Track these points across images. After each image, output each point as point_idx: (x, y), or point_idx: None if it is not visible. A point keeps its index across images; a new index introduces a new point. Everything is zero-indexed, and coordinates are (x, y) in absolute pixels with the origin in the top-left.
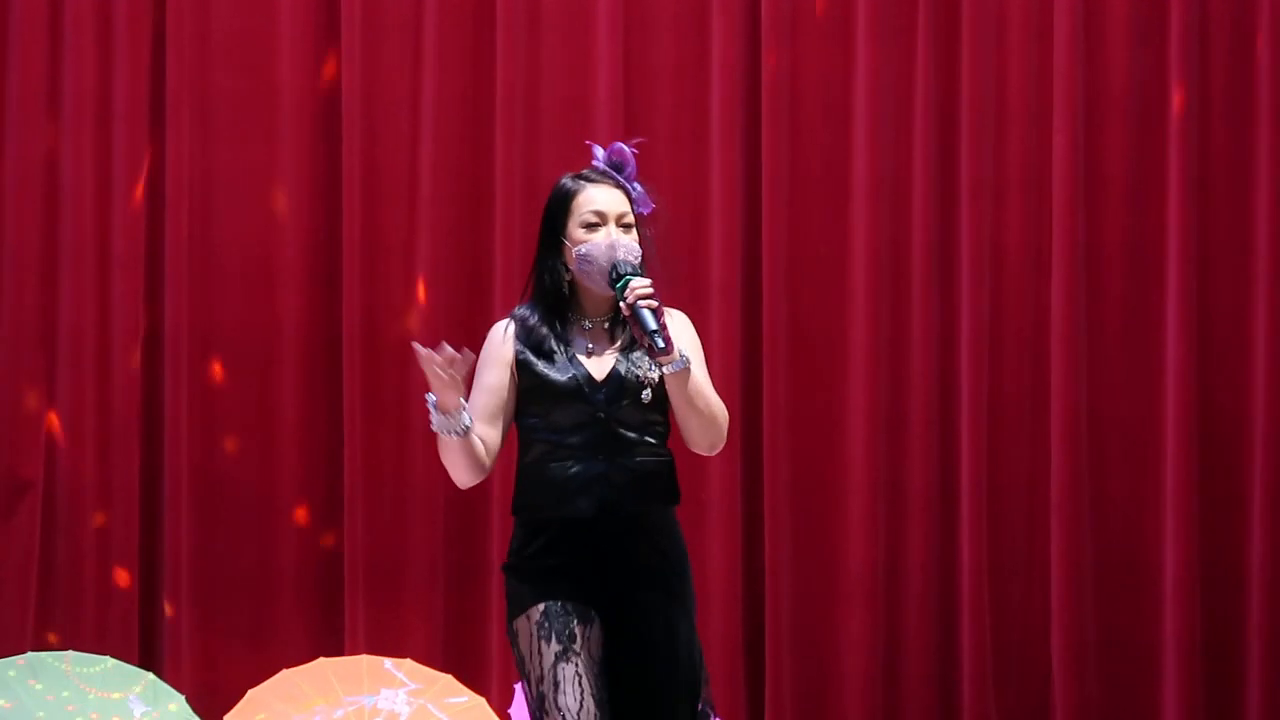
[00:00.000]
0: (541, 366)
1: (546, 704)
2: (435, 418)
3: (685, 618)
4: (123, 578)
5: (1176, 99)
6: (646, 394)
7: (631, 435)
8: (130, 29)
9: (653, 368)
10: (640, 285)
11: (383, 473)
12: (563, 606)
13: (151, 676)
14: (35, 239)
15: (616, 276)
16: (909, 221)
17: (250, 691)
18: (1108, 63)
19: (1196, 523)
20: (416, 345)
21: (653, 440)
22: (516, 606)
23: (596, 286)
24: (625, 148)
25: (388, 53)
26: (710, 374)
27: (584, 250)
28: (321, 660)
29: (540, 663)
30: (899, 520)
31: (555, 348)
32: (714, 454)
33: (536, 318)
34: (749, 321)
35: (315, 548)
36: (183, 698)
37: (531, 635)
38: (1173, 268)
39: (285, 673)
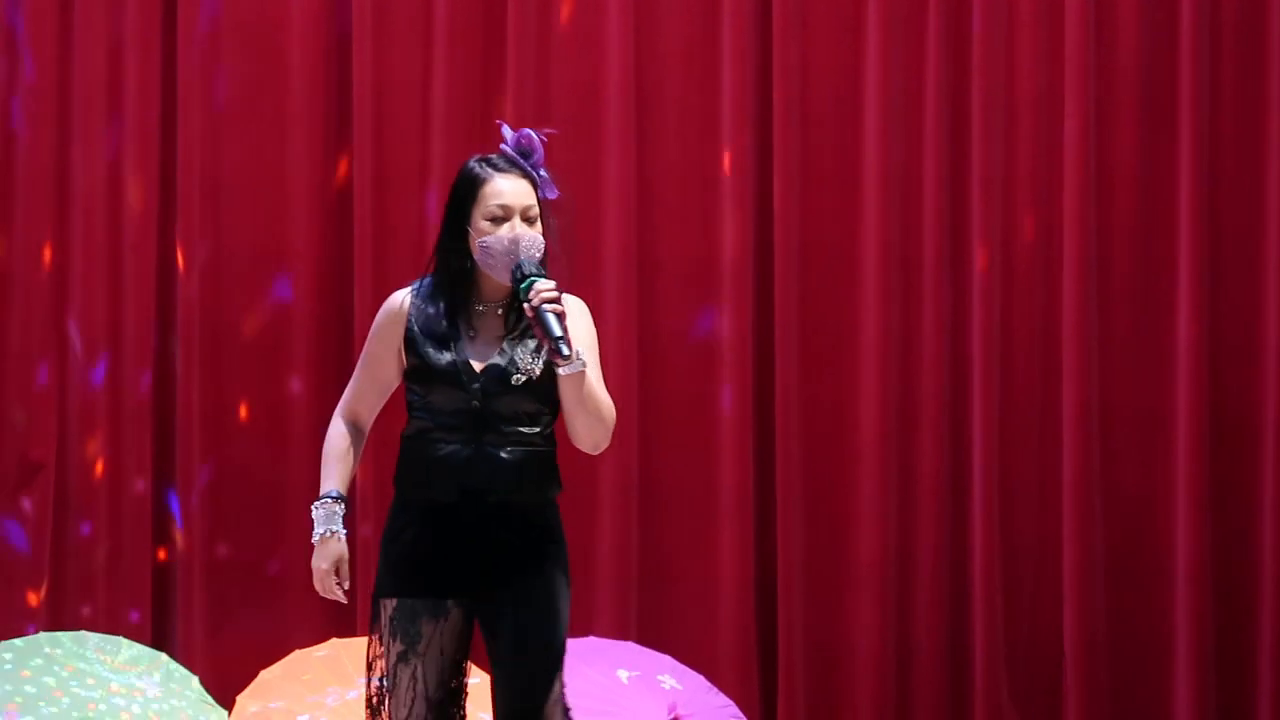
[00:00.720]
0: (426, 347)
1: (385, 701)
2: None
3: (543, 615)
4: (135, 559)
5: (1186, 90)
6: (518, 378)
7: (505, 426)
8: (141, 24)
9: (537, 361)
10: (545, 288)
11: (390, 456)
12: (414, 603)
13: (165, 657)
14: (47, 232)
15: (521, 276)
16: (920, 212)
17: (263, 672)
18: (1118, 53)
19: (1207, 512)
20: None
21: (528, 430)
22: (379, 588)
23: (496, 277)
24: (534, 134)
25: (398, 41)
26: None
27: (487, 243)
28: (334, 641)
29: (386, 659)
30: (910, 510)
31: (443, 330)
32: (596, 453)
33: (432, 297)
34: (761, 312)
35: None
36: (196, 678)
37: (383, 628)
38: (1184, 259)
39: (298, 653)
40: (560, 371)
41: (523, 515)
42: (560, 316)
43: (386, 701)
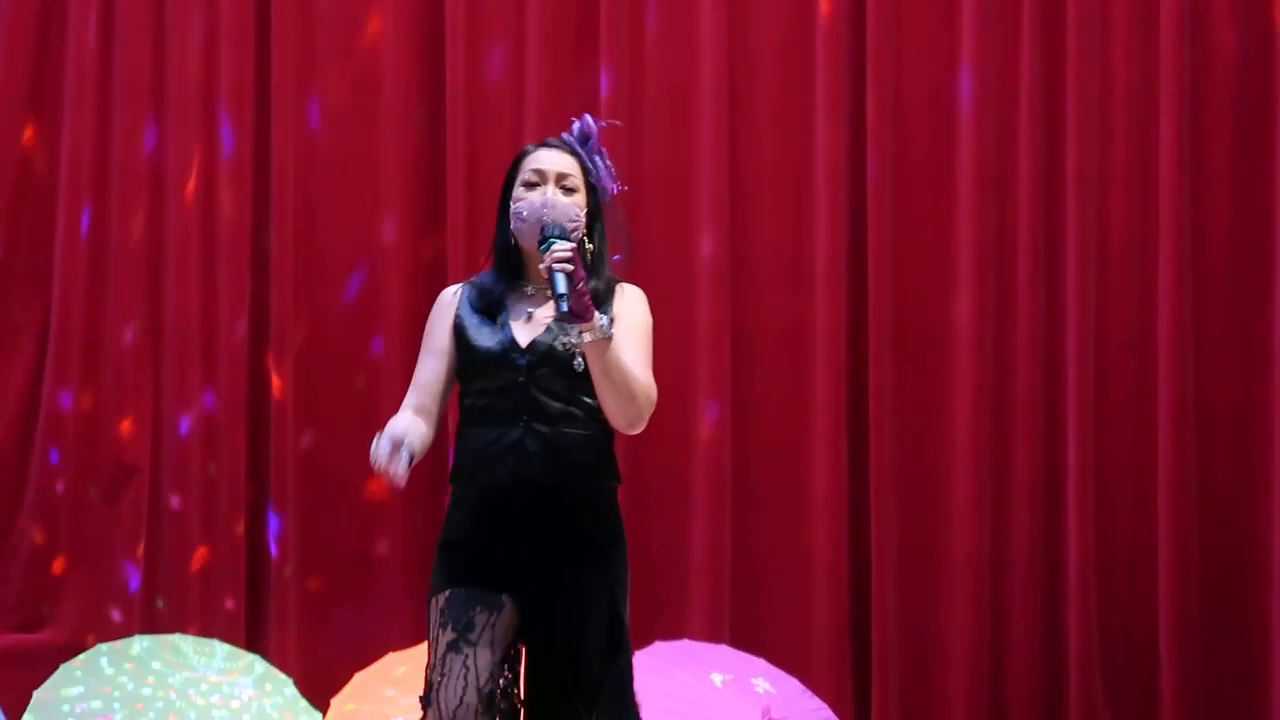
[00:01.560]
0: (471, 333)
1: (432, 694)
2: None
3: (600, 603)
4: (230, 563)
5: None
6: (578, 362)
7: (556, 405)
8: (234, 22)
9: (573, 341)
10: (560, 248)
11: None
12: (467, 593)
13: (259, 659)
14: (140, 231)
15: (543, 238)
16: (1014, 210)
17: (357, 675)
18: (1213, 50)
19: None
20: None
21: (580, 412)
22: (432, 586)
23: (526, 245)
24: (591, 121)
25: (492, 45)
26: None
27: (519, 207)
28: (427, 643)
29: (435, 650)
30: (1005, 509)
31: (492, 313)
32: (632, 433)
33: (490, 281)
34: (854, 310)
35: (420, 531)
36: (290, 680)
37: (433, 621)
38: None
39: (391, 656)
40: (582, 338)
41: (577, 503)
42: (573, 276)
43: (438, 691)
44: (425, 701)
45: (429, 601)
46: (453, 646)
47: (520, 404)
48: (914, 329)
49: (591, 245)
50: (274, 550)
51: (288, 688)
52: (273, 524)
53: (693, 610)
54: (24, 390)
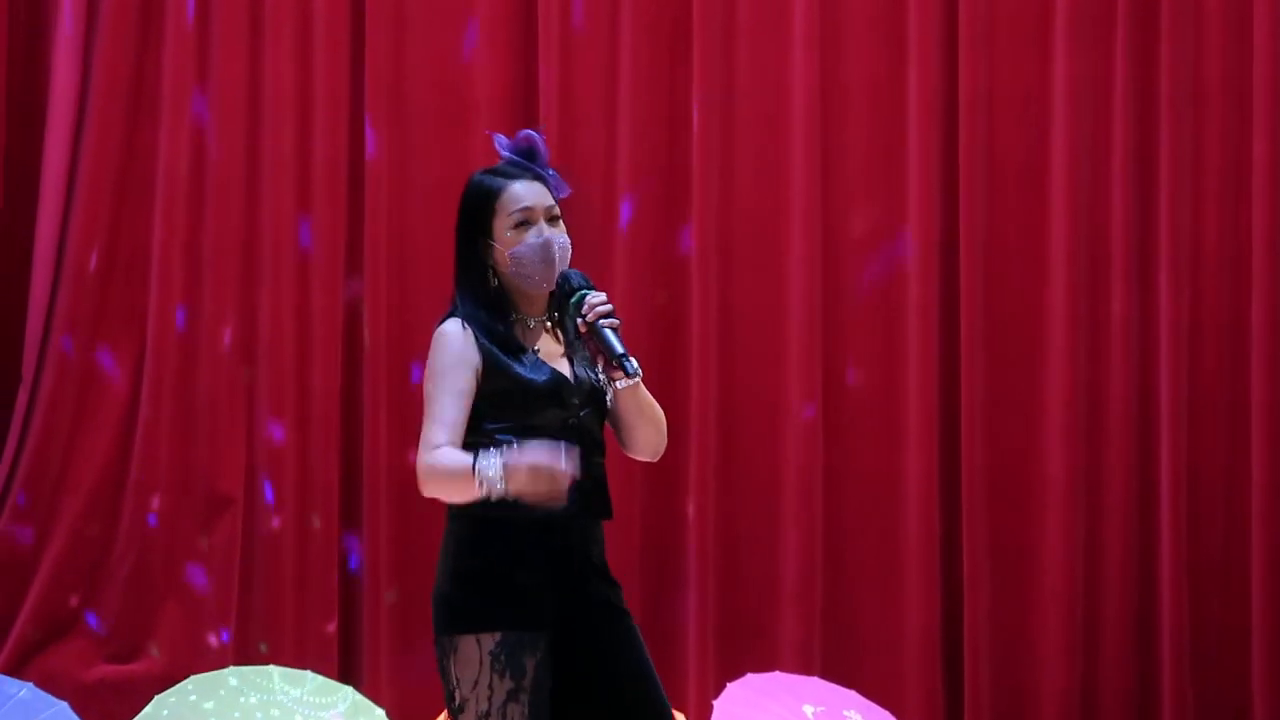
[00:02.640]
0: (517, 369)
1: None
2: (498, 480)
3: (643, 644)
4: (323, 592)
5: None
6: (623, 381)
7: (591, 443)
8: (328, 30)
9: (602, 378)
10: (598, 302)
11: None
12: (518, 638)
13: (352, 691)
14: (236, 243)
15: (570, 290)
16: (1108, 215)
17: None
18: None
19: None
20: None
21: (601, 449)
22: (465, 622)
23: (532, 288)
24: (533, 134)
25: (583, 62)
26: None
27: (518, 252)
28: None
29: (491, 698)
30: (1098, 520)
31: (519, 348)
32: (656, 460)
33: (486, 318)
34: (946, 316)
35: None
36: (383, 712)
37: (482, 664)
38: None
39: None
40: (618, 385)
41: (602, 538)
42: (617, 330)
43: None
44: None
45: (461, 633)
46: (512, 696)
47: (575, 442)
48: (1006, 336)
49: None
50: (366, 579)
51: (380, 718)
52: (365, 554)
53: (784, 641)
54: (119, 421)
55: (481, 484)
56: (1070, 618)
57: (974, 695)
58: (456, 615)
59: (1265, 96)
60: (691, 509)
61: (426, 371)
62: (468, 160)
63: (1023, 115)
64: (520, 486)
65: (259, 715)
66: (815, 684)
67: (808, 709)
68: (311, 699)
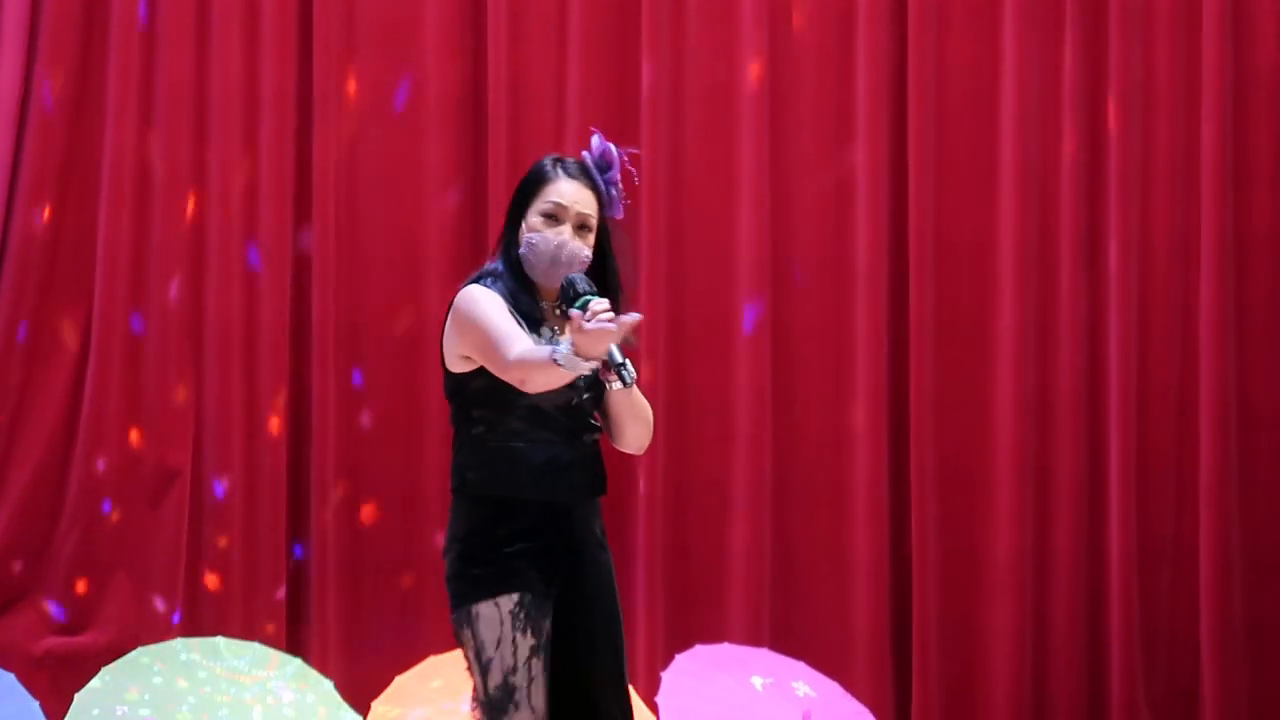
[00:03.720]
0: (539, 339)
1: (518, 695)
2: (577, 361)
3: (614, 595)
4: (271, 562)
5: None
6: (617, 385)
7: (591, 423)
8: (277, 23)
9: (603, 380)
10: (602, 309)
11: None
12: (533, 599)
13: (299, 662)
14: (184, 232)
15: (574, 294)
16: (1057, 210)
17: (398, 678)
18: (1256, 48)
19: None
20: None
21: (597, 428)
22: (481, 590)
23: (534, 277)
24: (615, 151)
25: (532, 46)
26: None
27: (533, 240)
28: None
29: (515, 654)
30: (1046, 508)
31: (541, 320)
32: (640, 453)
33: (514, 289)
34: (895, 309)
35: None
36: (330, 683)
37: (504, 623)
38: None
39: (432, 659)
40: (613, 386)
41: (599, 513)
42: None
43: (521, 695)
44: (508, 701)
45: (478, 604)
46: (535, 651)
47: (578, 422)
48: (955, 329)
49: (602, 281)
50: (313, 552)
51: (327, 688)
52: (312, 526)
53: (733, 613)
54: (67, 392)
55: (565, 364)
56: (1020, 594)
57: (922, 666)
58: (473, 586)
59: (1214, 88)
60: (641, 480)
61: (463, 323)
62: (417, 155)
63: (972, 100)
64: (591, 350)
65: (206, 686)
66: (764, 655)
67: (756, 680)
68: (258, 670)
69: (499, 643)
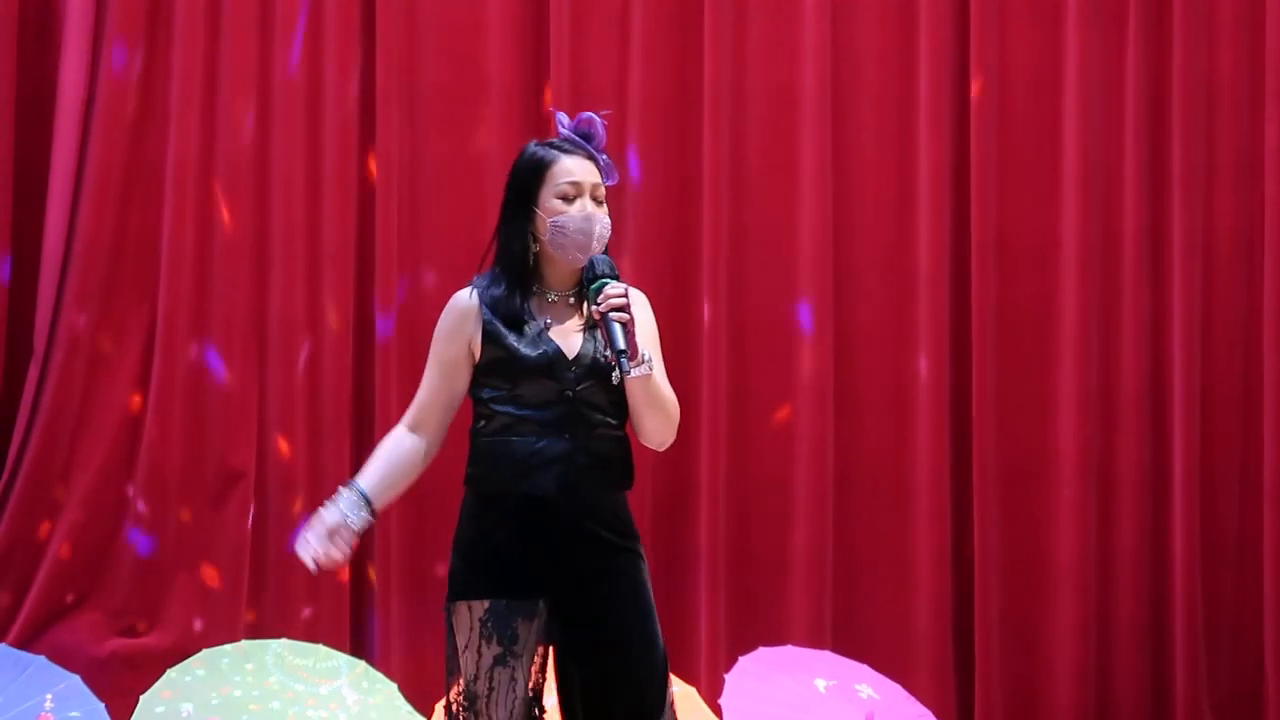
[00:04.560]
0: (512, 340)
1: (478, 704)
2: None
3: (647, 603)
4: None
5: None
6: (616, 376)
7: (596, 415)
8: (340, 23)
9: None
10: (615, 293)
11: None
12: (508, 605)
13: (363, 664)
14: (248, 232)
15: (593, 276)
16: (1120, 209)
17: None
18: None
19: None
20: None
21: (614, 421)
22: (460, 588)
23: (567, 259)
24: (595, 117)
25: (595, 45)
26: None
27: (560, 222)
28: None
29: (479, 662)
30: (1110, 510)
31: (525, 319)
32: (663, 450)
33: (503, 287)
34: (958, 311)
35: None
36: (394, 685)
37: (472, 629)
38: None
39: None
40: (631, 374)
41: (612, 509)
42: (626, 326)
43: (480, 705)
44: (469, 709)
45: (455, 601)
46: (500, 660)
47: (567, 416)
48: (1018, 330)
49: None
50: (378, 554)
51: (391, 690)
52: (376, 528)
53: (795, 615)
54: (131, 392)
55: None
56: (1083, 596)
57: (984, 668)
58: (455, 584)
59: (1277, 89)
60: (703, 481)
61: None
62: (479, 145)
63: (1034, 99)
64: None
65: (271, 689)
66: (827, 657)
67: (819, 682)
68: (325, 673)
69: (466, 648)
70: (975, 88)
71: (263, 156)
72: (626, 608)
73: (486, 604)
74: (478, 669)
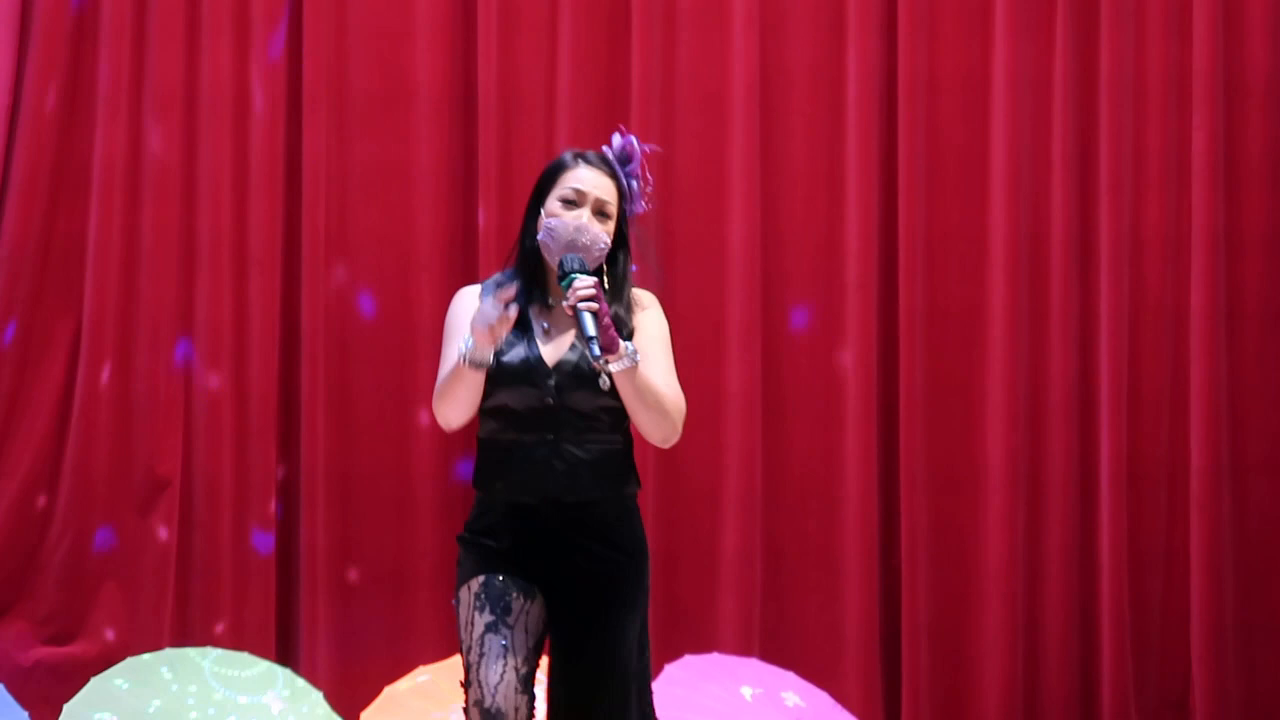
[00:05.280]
0: (501, 346)
1: (470, 674)
2: (476, 349)
3: (631, 613)
4: (259, 574)
5: None
6: (604, 381)
7: (581, 421)
8: (266, 25)
9: (603, 364)
10: (582, 286)
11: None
12: (502, 580)
13: (289, 672)
14: (174, 236)
15: (562, 274)
16: (1048, 211)
17: (387, 688)
18: (1247, 49)
19: None
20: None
21: (605, 420)
22: (461, 577)
23: (552, 263)
24: (637, 146)
25: (523, 49)
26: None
27: (551, 224)
28: (459, 657)
29: (471, 632)
30: (1037, 513)
31: (528, 319)
32: (666, 447)
33: (521, 283)
34: (885, 316)
35: (453, 544)
36: (320, 694)
37: (468, 605)
38: None
39: (422, 669)
40: (609, 369)
41: (603, 517)
42: (597, 315)
43: (478, 669)
44: (467, 678)
45: (458, 590)
46: (491, 627)
47: (546, 422)
48: (945, 333)
49: (611, 271)
50: (304, 560)
51: (316, 698)
52: (303, 535)
53: (723, 623)
54: (57, 399)
55: (472, 361)
56: (1010, 602)
57: (912, 677)
58: (459, 573)
59: (1205, 85)
60: None
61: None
62: (407, 147)
63: (963, 103)
64: (481, 335)
65: (196, 697)
66: (753, 665)
67: (746, 690)
68: (250, 681)
69: (464, 624)
70: (903, 90)
71: (189, 161)
72: (593, 622)
73: (482, 578)
74: (471, 638)
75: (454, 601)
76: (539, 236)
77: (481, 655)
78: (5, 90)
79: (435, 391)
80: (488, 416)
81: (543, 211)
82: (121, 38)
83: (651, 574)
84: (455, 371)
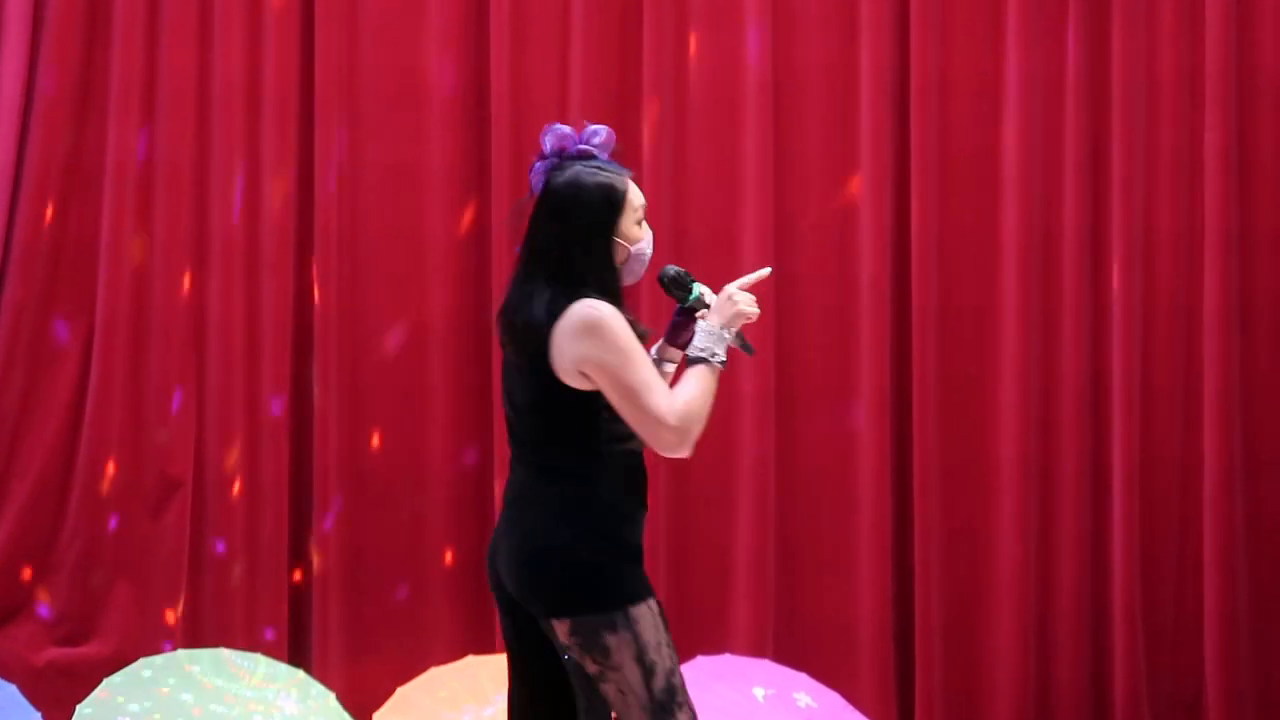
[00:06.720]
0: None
1: (679, 697)
2: (738, 342)
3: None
4: (272, 577)
5: None
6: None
7: (526, 438)
8: (279, 25)
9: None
10: (744, 301)
11: None
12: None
13: (302, 674)
14: (186, 235)
15: (678, 285)
16: (1060, 211)
17: (400, 689)
18: (1259, 48)
19: None
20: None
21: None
22: (638, 591)
23: (628, 281)
24: (612, 133)
25: (535, 50)
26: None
27: (640, 249)
28: (471, 658)
29: (670, 655)
30: (1050, 513)
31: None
32: (670, 455)
33: (623, 310)
34: (899, 315)
35: (465, 545)
36: (332, 695)
37: (658, 627)
38: None
39: (434, 670)
40: (716, 364)
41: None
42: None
43: (682, 696)
44: (675, 704)
45: (631, 606)
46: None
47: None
48: (958, 333)
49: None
50: (319, 562)
51: (329, 700)
52: (315, 535)
53: (735, 624)
54: (69, 399)
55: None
56: (1023, 602)
57: (926, 678)
58: (627, 587)
59: (1217, 85)
60: None
61: (603, 354)
62: (419, 148)
63: (975, 102)
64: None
65: (209, 698)
66: (766, 666)
67: (758, 691)
68: (263, 683)
69: (659, 645)
70: (915, 89)
71: (201, 159)
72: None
73: (656, 602)
74: (672, 664)
75: (621, 616)
76: (625, 266)
77: (683, 680)
78: (17, 87)
79: (690, 414)
80: (623, 428)
81: (620, 241)
82: (134, 36)
83: (665, 575)
84: (711, 384)
